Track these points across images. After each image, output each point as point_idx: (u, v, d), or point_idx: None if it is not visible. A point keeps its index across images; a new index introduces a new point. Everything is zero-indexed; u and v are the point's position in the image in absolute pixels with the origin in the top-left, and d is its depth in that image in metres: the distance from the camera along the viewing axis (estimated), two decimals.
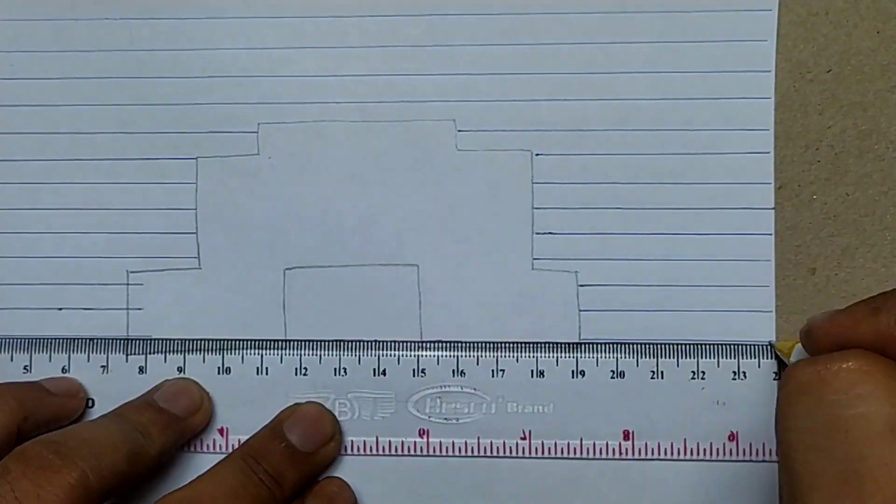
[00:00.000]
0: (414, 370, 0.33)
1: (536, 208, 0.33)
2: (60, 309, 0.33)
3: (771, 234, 0.32)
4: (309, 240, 0.33)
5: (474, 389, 0.33)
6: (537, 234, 0.33)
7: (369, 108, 0.33)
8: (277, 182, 0.33)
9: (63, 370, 0.33)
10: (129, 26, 0.33)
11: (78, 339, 0.33)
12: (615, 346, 0.32)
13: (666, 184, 0.32)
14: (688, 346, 0.32)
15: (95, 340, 0.33)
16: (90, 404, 0.33)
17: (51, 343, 0.33)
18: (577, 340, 0.33)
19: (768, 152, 0.32)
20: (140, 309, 0.33)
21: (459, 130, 0.33)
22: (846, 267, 0.32)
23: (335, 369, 0.33)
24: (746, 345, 0.32)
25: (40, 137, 0.34)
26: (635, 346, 0.32)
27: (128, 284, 0.33)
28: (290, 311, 0.33)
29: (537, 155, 0.33)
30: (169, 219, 0.33)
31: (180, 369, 0.33)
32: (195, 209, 0.33)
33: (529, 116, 0.33)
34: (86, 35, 0.33)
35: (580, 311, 0.33)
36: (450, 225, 0.33)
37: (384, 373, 0.33)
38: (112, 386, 0.33)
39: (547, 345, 0.33)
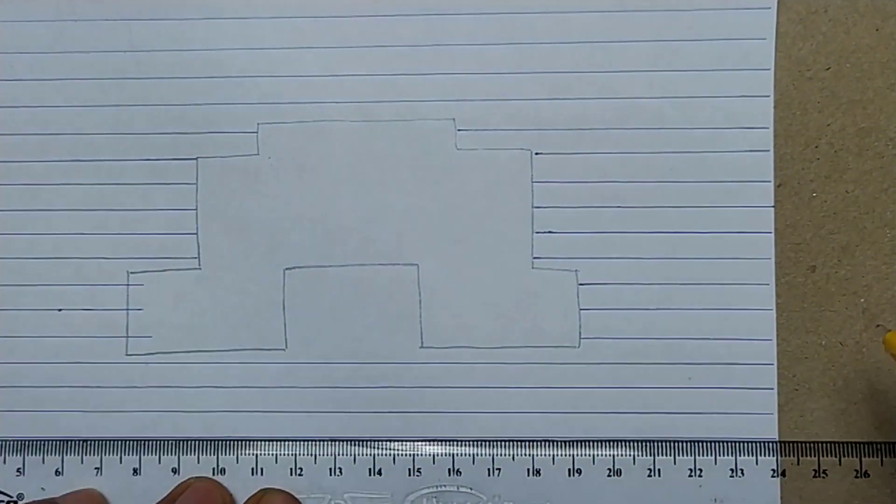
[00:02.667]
0: (410, 469, 0.32)
1: (536, 207, 0.33)
2: (60, 310, 0.33)
3: (771, 232, 0.32)
4: (309, 240, 0.33)
5: (470, 489, 0.32)
6: (537, 233, 0.33)
7: (369, 108, 0.33)
8: (277, 182, 0.33)
9: (56, 472, 0.33)
10: (129, 27, 0.33)
11: (72, 440, 0.33)
12: (612, 443, 0.32)
13: (666, 182, 0.32)
14: (684, 444, 0.32)
15: (89, 442, 0.33)
16: None
17: (45, 445, 0.33)
18: (574, 437, 0.32)
19: (768, 150, 0.32)
20: (140, 309, 0.33)
21: (459, 130, 0.33)
22: (846, 265, 0.32)
23: (330, 469, 0.33)
24: (744, 442, 0.32)
25: (40, 138, 0.34)
26: (632, 443, 0.32)
27: (128, 285, 0.33)
28: (290, 311, 0.33)
29: (537, 154, 0.33)
30: (169, 219, 0.33)
31: (175, 470, 0.33)
32: (195, 209, 0.33)
33: (529, 116, 0.33)
34: (85, 36, 0.33)
35: (580, 310, 0.33)
36: (450, 224, 0.33)
37: (380, 472, 0.33)
38: (106, 487, 0.33)
39: (543, 442, 0.32)
